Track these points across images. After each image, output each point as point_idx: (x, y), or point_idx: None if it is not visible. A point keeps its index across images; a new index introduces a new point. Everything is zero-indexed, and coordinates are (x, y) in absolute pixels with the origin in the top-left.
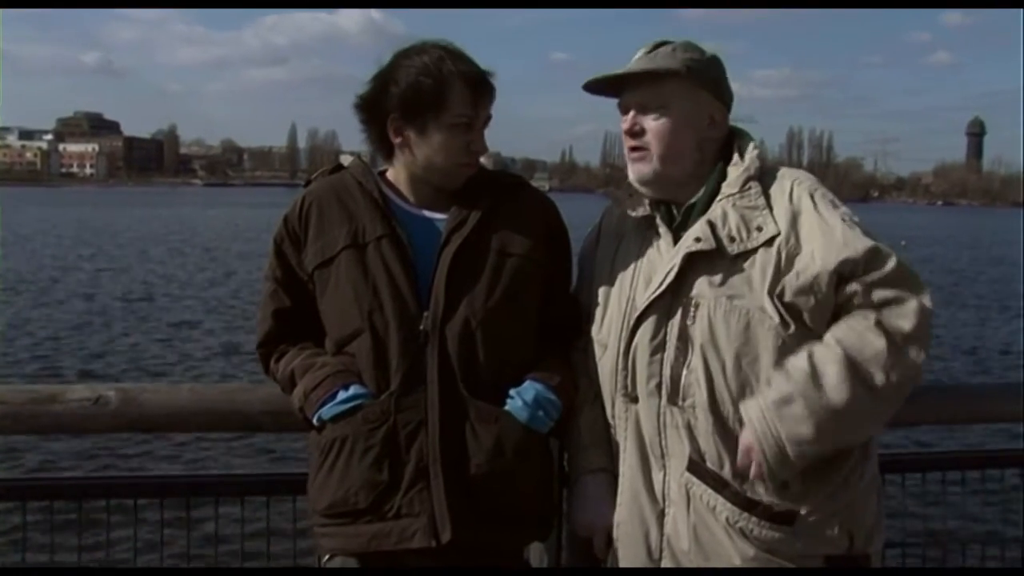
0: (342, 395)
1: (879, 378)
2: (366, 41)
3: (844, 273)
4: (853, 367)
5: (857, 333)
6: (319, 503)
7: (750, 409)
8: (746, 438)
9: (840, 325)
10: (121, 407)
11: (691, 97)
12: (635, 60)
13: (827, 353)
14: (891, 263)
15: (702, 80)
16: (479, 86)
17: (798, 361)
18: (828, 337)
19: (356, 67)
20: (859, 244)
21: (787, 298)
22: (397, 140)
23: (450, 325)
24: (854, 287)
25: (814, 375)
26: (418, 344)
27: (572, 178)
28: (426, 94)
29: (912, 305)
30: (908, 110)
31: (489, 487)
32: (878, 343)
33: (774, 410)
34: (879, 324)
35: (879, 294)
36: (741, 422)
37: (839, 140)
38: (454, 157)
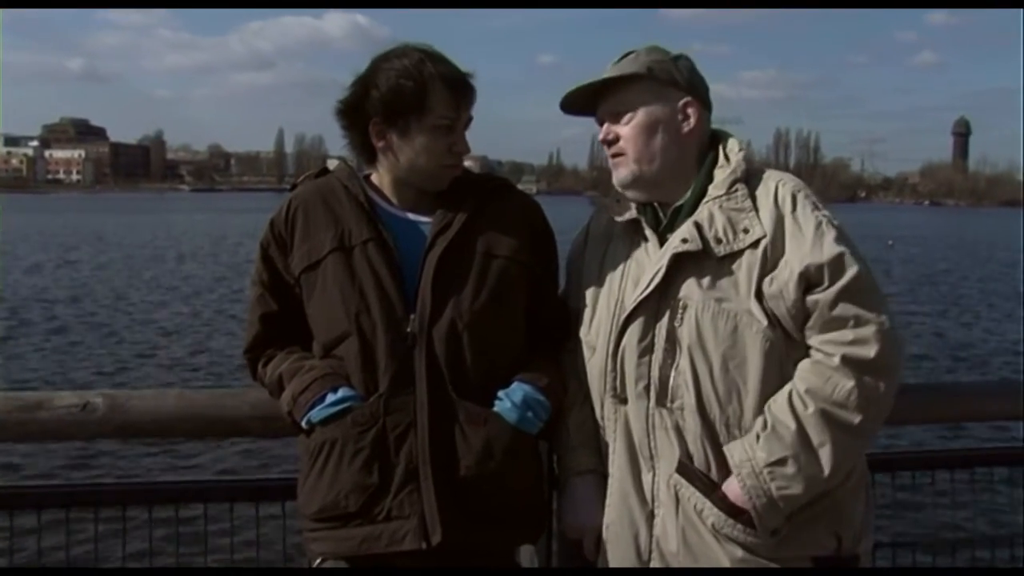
0: (331, 398)
1: (856, 419)
2: (352, 45)
3: (810, 279)
4: (830, 418)
5: (825, 378)
6: (309, 507)
7: (741, 466)
8: (734, 490)
9: (809, 370)
10: (108, 413)
11: (658, 96)
12: (603, 73)
13: (805, 411)
14: (851, 272)
15: (667, 77)
16: (460, 87)
17: (782, 416)
18: (801, 387)
19: (342, 71)
20: (827, 249)
21: (765, 302)
22: (380, 144)
23: (437, 327)
24: (817, 298)
25: (801, 434)
26: (406, 346)
27: (560, 181)
28: (407, 96)
29: (872, 329)
30: (894, 110)
31: (479, 489)
32: (847, 383)
33: (766, 469)
34: (845, 360)
35: (840, 310)
36: (728, 425)
37: (826, 141)
38: (437, 159)
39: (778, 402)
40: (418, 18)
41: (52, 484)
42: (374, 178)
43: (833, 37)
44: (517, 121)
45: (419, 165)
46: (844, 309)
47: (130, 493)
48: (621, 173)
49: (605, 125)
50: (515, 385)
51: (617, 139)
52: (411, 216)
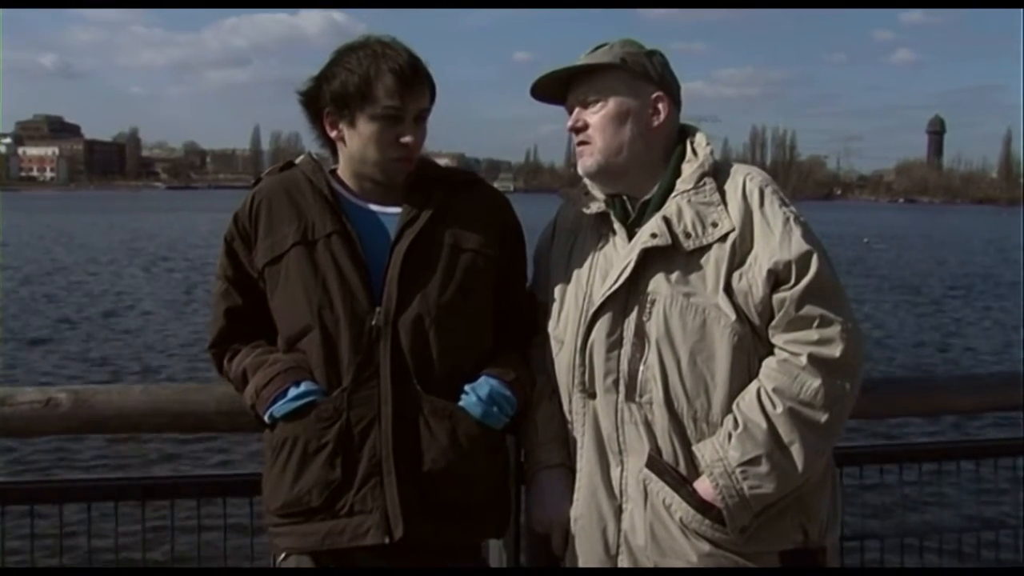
0: (293, 392)
1: (823, 417)
2: (328, 42)
3: (778, 276)
4: (799, 417)
5: (792, 377)
6: (273, 503)
7: (713, 465)
8: (705, 488)
9: (776, 368)
10: (72, 409)
11: (630, 87)
12: (576, 61)
13: (774, 410)
14: (817, 271)
15: (640, 70)
16: (407, 77)
17: (753, 415)
18: (769, 386)
19: (318, 69)
20: (795, 247)
21: (734, 297)
22: (333, 134)
23: (402, 320)
24: (784, 296)
25: (773, 433)
26: (370, 340)
27: (537, 178)
28: (354, 86)
29: (837, 329)
30: (870, 108)
31: (443, 483)
32: (814, 383)
33: (739, 469)
34: (811, 359)
35: (807, 310)
36: (696, 419)
37: (802, 138)
38: (385, 150)
39: (747, 401)
40: (394, 16)
41: (16, 481)
42: (340, 171)
43: (810, 35)
44: (494, 119)
45: (368, 156)
46: (810, 309)
47: (97, 489)
48: (586, 162)
49: (575, 112)
50: (482, 379)
51: (586, 126)
52: (377, 209)
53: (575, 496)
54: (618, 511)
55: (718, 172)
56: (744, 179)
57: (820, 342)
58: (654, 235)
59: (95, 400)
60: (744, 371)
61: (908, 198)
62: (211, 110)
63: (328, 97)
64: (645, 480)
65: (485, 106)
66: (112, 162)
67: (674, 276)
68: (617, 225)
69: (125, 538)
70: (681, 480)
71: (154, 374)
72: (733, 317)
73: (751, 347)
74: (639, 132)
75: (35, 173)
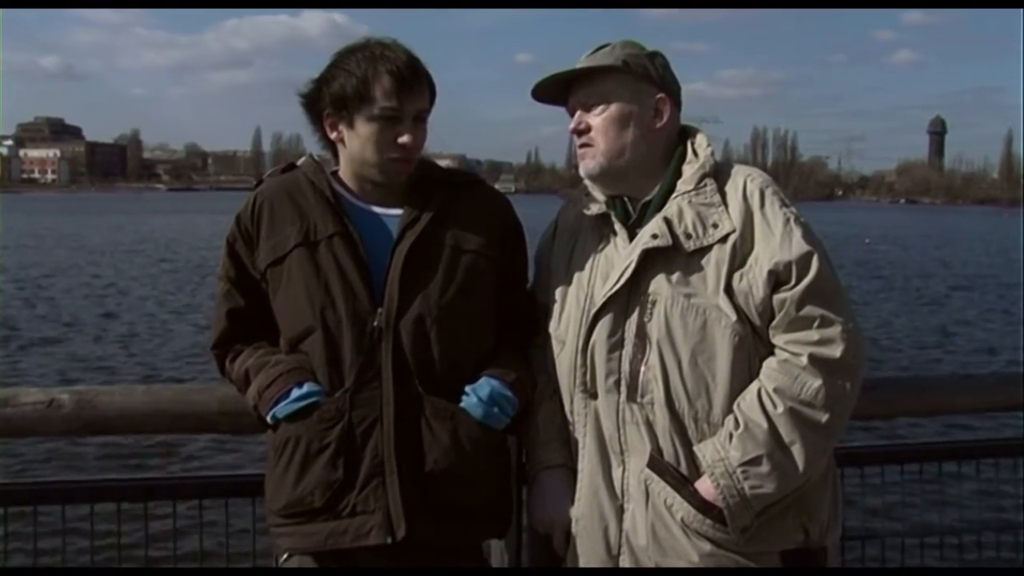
0: (296, 393)
1: (824, 417)
2: (329, 44)
3: (779, 276)
4: (799, 417)
5: (793, 377)
6: (275, 503)
7: (714, 465)
8: (706, 488)
9: (776, 368)
10: (75, 410)
11: (632, 90)
12: (577, 63)
13: (775, 410)
14: (817, 272)
15: (642, 72)
16: (404, 78)
17: (754, 415)
18: (770, 386)
19: (320, 71)
20: (795, 247)
21: (735, 297)
22: (333, 135)
23: (404, 321)
24: (784, 296)
25: (773, 433)
26: (371, 341)
27: (538, 180)
28: (352, 87)
29: (837, 329)
30: (872, 109)
31: (444, 484)
32: (815, 383)
33: (739, 469)
34: (812, 359)
35: (807, 310)
36: (697, 419)
37: (803, 139)
38: (383, 151)
39: (748, 401)
40: (396, 17)
41: (18, 482)
42: (341, 173)
43: (811, 35)
44: (495, 120)
45: (366, 157)
46: (810, 310)
47: (99, 490)
48: (588, 165)
49: (577, 114)
50: (483, 380)
51: (588, 129)
52: (379, 210)
53: (576, 496)
54: (619, 511)
55: (719, 173)
56: (745, 180)
57: (821, 342)
58: (655, 236)
59: (98, 401)
60: (745, 371)
61: (909, 199)
62: (213, 112)
63: (328, 99)
64: (646, 480)
65: (486, 107)
66: (113, 164)
67: (675, 277)
68: (618, 226)
69: (128, 536)
70: (682, 480)
71: (156, 375)
72: (734, 318)
73: (752, 347)
74: (641, 134)
75: (36, 175)
